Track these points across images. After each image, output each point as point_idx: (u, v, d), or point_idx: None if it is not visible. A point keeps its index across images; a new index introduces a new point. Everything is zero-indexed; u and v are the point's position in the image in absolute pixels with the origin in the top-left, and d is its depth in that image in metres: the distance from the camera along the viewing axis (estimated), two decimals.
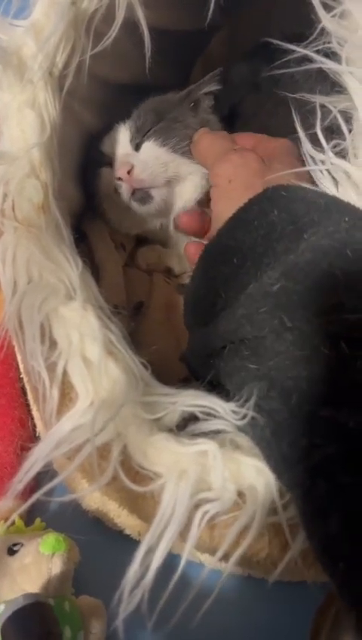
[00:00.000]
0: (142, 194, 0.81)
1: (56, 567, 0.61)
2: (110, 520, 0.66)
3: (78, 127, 0.80)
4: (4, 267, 0.59)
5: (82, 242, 0.85)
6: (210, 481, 0.52)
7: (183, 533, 0.51)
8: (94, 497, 0.64)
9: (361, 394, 0.45)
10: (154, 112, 0.81)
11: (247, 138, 0.75)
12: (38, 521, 0.70)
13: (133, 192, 0.80)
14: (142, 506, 0.56)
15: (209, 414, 0.55)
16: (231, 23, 1.04)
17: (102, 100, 0.83)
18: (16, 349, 0.66)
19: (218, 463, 0.52)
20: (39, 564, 0.61)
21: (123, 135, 0.81)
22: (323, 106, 0.71)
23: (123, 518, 0.64)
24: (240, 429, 0.54)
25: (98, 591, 0.65)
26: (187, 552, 0.51)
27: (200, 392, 0.56)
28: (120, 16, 0.68)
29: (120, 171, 0.79)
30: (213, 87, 0.84)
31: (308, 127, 0.70)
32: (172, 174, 0.81)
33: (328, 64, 0.68)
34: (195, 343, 0.60)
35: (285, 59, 0.72)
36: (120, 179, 0.80)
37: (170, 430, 0.55)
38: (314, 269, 0.50)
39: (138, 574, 0.49)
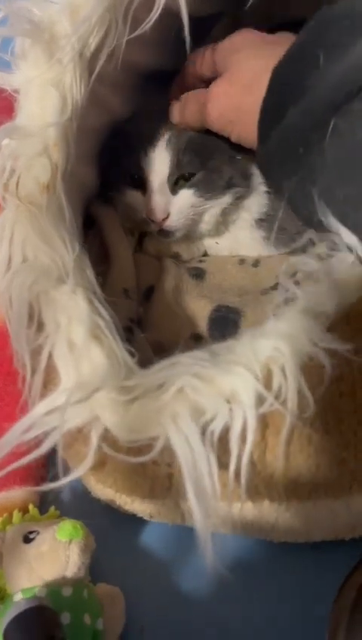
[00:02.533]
0: (167, 231, 0.84)
1: (74, 554, 0.61)
2: (120, 507, 0.66)
3: (103, 113, 0.80)
4: (1, 243, 0.60)
5: (92, 227, 0.86)
6: (201, 406, 0.53)
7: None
8: (96, 487, 0.64)
9: None
10: (196, 152, 0.80)
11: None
12: (52, 509, 0.70)
13: (160, 230, 0.83)
14: (142, 481, 0.57)
15: None
16: (234, 11, 0.98)
17: (130, 86, 0.82)
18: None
19: (197, 388, 0.53)
20: (56, 551, 0.61)
21: (162, 164, 0.80)
22: None
23: (129, 505, 0.64)
24: None
25: (114, 577, 0.65)
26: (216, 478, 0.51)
27: (173, 359, 0.56)
28: (160, 2, 0.67)
29: (155, 217, 0.81)
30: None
31: None
32: (198, 218, 0.84)
33: None
34: (274, 147, 0.59)
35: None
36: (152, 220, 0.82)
37: None
38: None
39: (205, 525, 0.49)
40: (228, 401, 0.52)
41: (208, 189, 0.81)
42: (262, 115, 0.62)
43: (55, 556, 0.61)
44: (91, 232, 0.85)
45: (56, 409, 0.53)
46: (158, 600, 0.61)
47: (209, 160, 0.81)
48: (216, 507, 0.56)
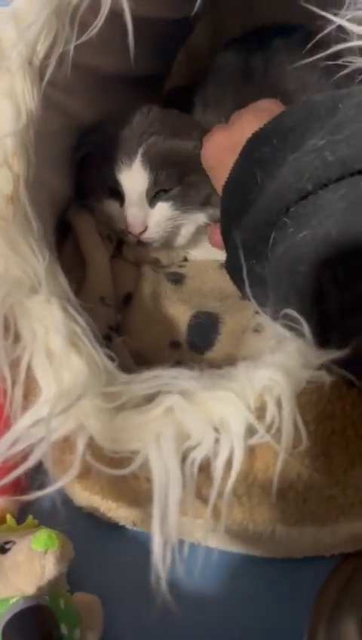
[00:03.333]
0: (145, 243, 0.85)
1: (49, 563, 0.60)
2: (103, 514, 0.66)
3: (62, 118, 0.79)
4: None
5: (68, 234, 0.86)
6: (187, 430, 0.53)
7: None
8: (81, 494, 0.64)
9: None
10: (175, 169, 0.81)
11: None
12: (30, 518, 0.70)
13: (138, 241, 0.84)
14: (125, 490, 0.57)
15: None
16: (214, 12, 1.04)
17: (89, 90, 0.82)
18: None
19: (186, 410, 0.53)
20: (32, 561, 0.60)
21: (139, 180, 0.81)
22: None
23: (113, 511, 0.64)
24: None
25: (94, 586, 0.65)
26: (191, 507, 0.52)
27: (163, 371, 0.56)
28: (106, 5, 0.67)
29: (133, 229, 0.82)
30: None
31: None
32: (175, 230, 0.86)
33: None
34: (236, 241, 0.59)
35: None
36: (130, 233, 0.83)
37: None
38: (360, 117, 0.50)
39: (162, 543, 0.49)
40: (216, 429, 0.52)
41: (185, 203, 0.82)
42: (221, 218, 0.65)
43: (31, 566, 0.60)
44: (67, 239, 0.85)
45: (41, 420, 0.52)
46: (137, 610, 0.62)
47: (187, 175, 0.82)
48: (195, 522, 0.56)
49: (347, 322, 0.50)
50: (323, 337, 0.52)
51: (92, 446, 0.53)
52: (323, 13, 0.65)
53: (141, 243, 0.84)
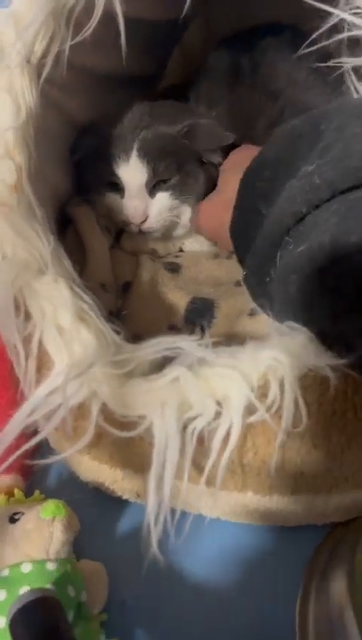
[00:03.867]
0: (147, 232, 0.88)
1: (57, 530, 0.62)
2: (107, 488, 0.68)
3: (60, 115, 0.83)
4: None
5: (69, 226, 0.88)
6: (190, 401, 0.56)
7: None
8: (89, 466, 0.66)
9: None
10: (171, 158, 0.84)
11: None
12: (37, 492, 0.72)
13: (140, 231, 0.88)
14: (132, 454, 0.60)
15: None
16: (207, 10, 1.06)
17: (86, 90, 0.85)
18: None
19: (191, 383, 0.56)
20: (40, 528, 0.63)
21: (138, 173, 0.84)
22: None
23: (118, 482, 0.66)
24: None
25: (98, 555, 0.67)
26: (187, 472, 0.55)
27: (166, 337, 0.59)
28: (99, 7, 0.70)
29: (135, 220, 0.85)
30: (218, 158, 0.86)
31: None
32: (175, 219, 0.88)
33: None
34: (250, 265, 0.62)
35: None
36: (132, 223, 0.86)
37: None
38: (346, 136, 0.53)
39: (155, 505, 0.53)
40: (219, 403, 0.55)
41: (184, 192, 0.85)
42: (234, 244, 0.68)
43: (39, 533, 0.62)
44: (68, 231, 0.87)
45: (57, 389, 0.55)
46: (140, 575, 0.64)
47: (184, 164, 0.85)
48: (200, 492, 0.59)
49: (338, 328, 0.53)
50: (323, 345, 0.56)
51: (104, 412, 0.57)
52: (325, 7, 0.69)
53: (142, 232, 0.87)
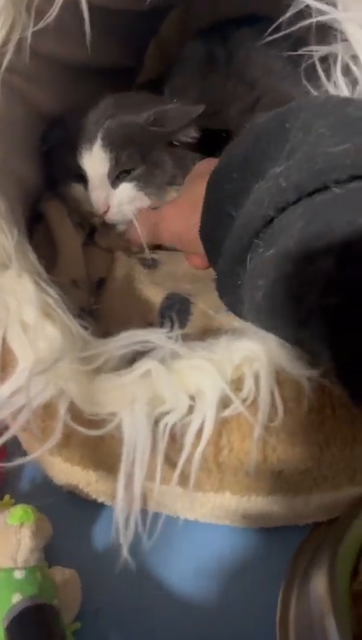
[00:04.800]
0: (111, 224, 0.86)
1: (25, 537, 0.61)
2: (82, 491, 0.66)
3: (25, 106, 0.80)
4: None
5: (40, 221, 0.86)
6: (162, 395, 0.54)
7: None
8: (61, 468, 0.64)
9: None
10: (135, 147, 0.82)
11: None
12: (7, 497, 0.70)
13: (104, 223, 0.85)
14: (105, 455, 0.58)
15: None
16: (184, 2, 1.04)
17: (53, 80, 0.83)
18: None
19: (162, 377, 0.54)
20: (7, 535, 0.61)
21: (100, 162, 0.82)
22: None
23: (93, 485, 0.64)
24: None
25: (72, 561, 0.65)
26: (159, 469, 0.53)
27: (136, 331, 0.58)
28: None
29: (96, 210, 0.83)
30: (193, 133, 0.85)
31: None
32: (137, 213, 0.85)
33: (329, 13, 0.67)
34: (221, 269, 0.60)
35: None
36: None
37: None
38: (311, 137, 0.51)
39: (125, 505, 0.52)
40: (192, 397, 0.54)
41: (149, 183, 0.83)
42: (204, 247, 0.66)
43: (6, 540, 0.61)
44: (40, 227, 0.86)
45: (21, 388, 0.53)
46: (115, 582, 0.62)
47: (150, 152, 0.83)
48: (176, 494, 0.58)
49: (301, 337, 0.52)
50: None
51: (72, 410, 0.55)
52: None
53: (106, 225, 0.85)
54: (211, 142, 0.86)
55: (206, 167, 0.73)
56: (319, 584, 0.55)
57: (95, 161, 0.82)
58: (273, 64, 0.90)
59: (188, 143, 0.85)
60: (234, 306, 0.59)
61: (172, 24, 1.06)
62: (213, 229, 0.61)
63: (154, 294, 0.81)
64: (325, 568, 0.56)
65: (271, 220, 0.51)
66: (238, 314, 0.59)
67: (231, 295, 0.58)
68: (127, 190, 0.83)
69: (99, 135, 0.81)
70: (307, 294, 0.48)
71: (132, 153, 0.82)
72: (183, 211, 0.72)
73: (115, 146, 0.81)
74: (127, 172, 0.83)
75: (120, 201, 0.83)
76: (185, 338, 0.59)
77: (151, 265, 0.87)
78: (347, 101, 0.55)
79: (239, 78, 0.90)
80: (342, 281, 0.46)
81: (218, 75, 0.92)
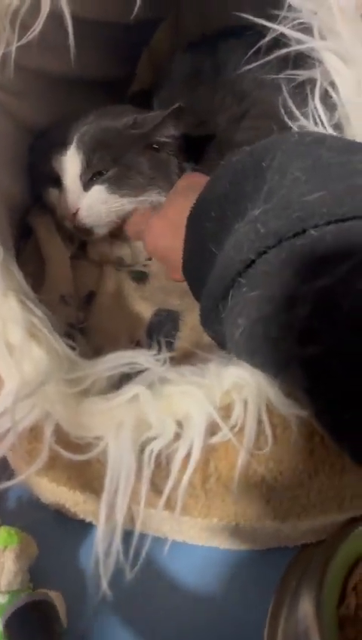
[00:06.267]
0: (84, 229, 0.84)
1: (8, 560, 0.61)
2: (69, 510, 0.66)
3: (12, 121, 0.80)
4: None
5: (28, 236, 0.86)
6: (148, 421, 0.53)
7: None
8: (48, 488, 0.63)
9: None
10: (107, 150, 0.81)
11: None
12: None
13: (75, 226, 0.83)
14: (91, 478, 0.57)
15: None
16: (175, 13, 1.05)
17: (41, 94, 0.83)
18: None
19: (149, 402, 0.53)
20: None
21: (72, 164, 0.82)
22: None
23: (80, 505, 0.64)
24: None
25: (58, 584, 0.64)
26: (144, 496, 0.53)
27: (123, 352, 0.57)
28: (45, 8, 0.68)
29: (65, 212, 0.83)
30: (171, 131, 0.84)
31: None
32: (115, 217, 0.84)
33: (305, 42, 0.67)
34: (204, 306, 0.60)
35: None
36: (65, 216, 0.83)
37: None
38: (287, 180, 0.51)
39: (106, 535, 0.51)
40: (179, 423, 0.53)
41: (122, 186, 0.82)
42: (188, 282, 0.65)
43: None
44: (28, 242, 0.85)
45: (6, 411, 0.53)
46: (101, 605, 0.62)
47: (123, 155, 0.82)
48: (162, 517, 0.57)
49: (285, 379, 0.51)
50: None
51: (58, 433, 0.54)
52: (263, 22, 0.68)
53: (80, 230, 0.84)
54: (196, 148, 0.86)
55: (188, 183, 0.74)
56: (306, 610, 0.55)
57: (68, 162, 0.82)
58: (264, 76, 0.87)
59: (171, 149, 0.85)
60: (218, 339, 0.59)
61: (163, 35, 1.06)
62: (196, 265, 0.61)
63: (143, 309, 0.81)
64: (312, 594, 0.56)
65: (253, 262, 0.51)
66: (223, 347, 0.58)
67: (214, 328, 0.58)
68: (98, 193, 0.82)
69: (75, 139, 0.81)
70: (285, 340, 0.48)
71: (103, 155, 0.81)
72: (167, 231, 0.71)
73: (88, 148, 0.81)
74: (100, 174, 0.82)
75: (90, 203, 0.82)
76: (174, 361, 0.58)
77: (140, 278, 0.86)
78: (320, 140, 0.54)
79: (228, 90, 0.90)
80: (318, 330, 0.45)
81: (206, 87, 0.92)
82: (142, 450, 0.53)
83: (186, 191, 0.70)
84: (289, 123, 0.70)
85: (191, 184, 0.71)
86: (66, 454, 0.54)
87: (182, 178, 0.79)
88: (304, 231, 0.48)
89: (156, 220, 0.75)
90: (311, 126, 0.68)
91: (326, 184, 0.49)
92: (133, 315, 0.81)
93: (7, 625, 0.55)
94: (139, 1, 0.69)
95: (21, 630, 0.55)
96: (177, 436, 0.53)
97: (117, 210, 0.83)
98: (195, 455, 0.52)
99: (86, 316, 0.81)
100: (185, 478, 0.52)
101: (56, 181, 0.84)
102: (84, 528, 0.68)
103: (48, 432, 0.54)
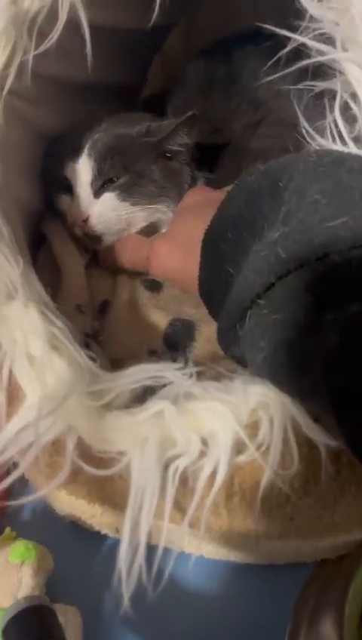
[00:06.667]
0: (94, 237, 0.83)
1: (26, 575, 0.60)
2: (84, 522, 0.65)
3: (28, 128, 0.80)
4: None
5: (42, 244, 0.85)
6: (173, 437, 0.52)
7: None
8: (65, 500, 0.62)
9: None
10: (119, 157, 0.81)
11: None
12: (7, 530, 0.68)
13: (86, 233, 0.83)
14: (112, 492, 0.56)
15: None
16: (187, 18, 1.04)
17: (56, 101, 0.82)
18: None
19: (174, 418, 0.52)
20: (8, 573, 0.60)
21: (84, 171, 0.82)
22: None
23: (97, 517, 0.63)
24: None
25: (75, 597, 0.64)
26: (168, 515, 0.51)
27: (147, 365, 0.56)
28: (63, 16, 0.68)
29: (75, 218, 0.82)
30: (184, 139, 0.84)
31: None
32: (125, 225, 0.84)
33: (327, 53, 0.66)
34: (222, 327, 0.59)
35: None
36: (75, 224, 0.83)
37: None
38: (306, 203, 0.51)
39: (129, 552, 0.50)
40: (204, 441, 0.52)
41: (133, 193, 0.82)
42: (205, 304, 0.65)
43: (7, 579, 0.60)
44: (42, 250, 0.84)
45: (28, 425, 0.52)
46: (117, 620, 0.61)
47: (135, 163, 0.82)
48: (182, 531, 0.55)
49: (311, 406, 0.51)
50: None
51: (80, 447, 0.53)
52: (285, 32, 0.67)
53: (89, 237, 0.83)
54: (211, 155, 0.86)
55: (196, 198, 0.74)
56: (327, 627, 0.55)
57: (80, 169, 0.82)
58: (280, 84, 0.88)
59: (184, 158, 0.85)
60: (239, 359, 0.58)
61: (175, 40, 1.06)
62: (213, 287, 0.61)
63: (158, 319, 0.80)
64: (333, 611, 0.55)
65: (273, 284, 0.50)
66: (244, 366, 0.58)
67: (232, 348, 0.57)
68: (108, 200, 0.82)
69: (87, 146, 0.81)
70: (310, 366, 0.47)
71: (115, 163, 0.81)
72: (176, 252, 0.71)
73: (99, 155, 0.81)
74: (111, 181, 0.82)
75: (101, 210, 0.82)
76: (199, 375, 0.57)
77: (154, 287, 0.85)
78: (340, 161, 0.54)
79: (243, 97, 0.90)
80: (348, 357, 0.45)
81: (220, 94, 0.91)
82: (166, 467, 0.52)
83: (195, 208, 0.70)
84: (307, 133, 0.69)
85: (199, 201, 0.71)
86: (88, 469, 0.53)
87: (188, 194, 0.79)
88: (325, 255, 0.47)
89: (162, 242, 0.74)
90: (329, 138, 0.67)
91: (348, 209, 0.48)
92: (149, 325, 0.80)
93: (6, 630, 0.54)
94: (157, 7, 0.69)
95: (20, 635, 0.54)
96: (202, 453, 0.52)
97: (127, 218, 0.83)
98: (221, 474, 0.51)
99: (101, 326, 0.81)
100: (211, 497, 0.51)
101: (68, 188, 0.83)
102: (99, 540, 0.67)
103: (71, 445, 0.53)
